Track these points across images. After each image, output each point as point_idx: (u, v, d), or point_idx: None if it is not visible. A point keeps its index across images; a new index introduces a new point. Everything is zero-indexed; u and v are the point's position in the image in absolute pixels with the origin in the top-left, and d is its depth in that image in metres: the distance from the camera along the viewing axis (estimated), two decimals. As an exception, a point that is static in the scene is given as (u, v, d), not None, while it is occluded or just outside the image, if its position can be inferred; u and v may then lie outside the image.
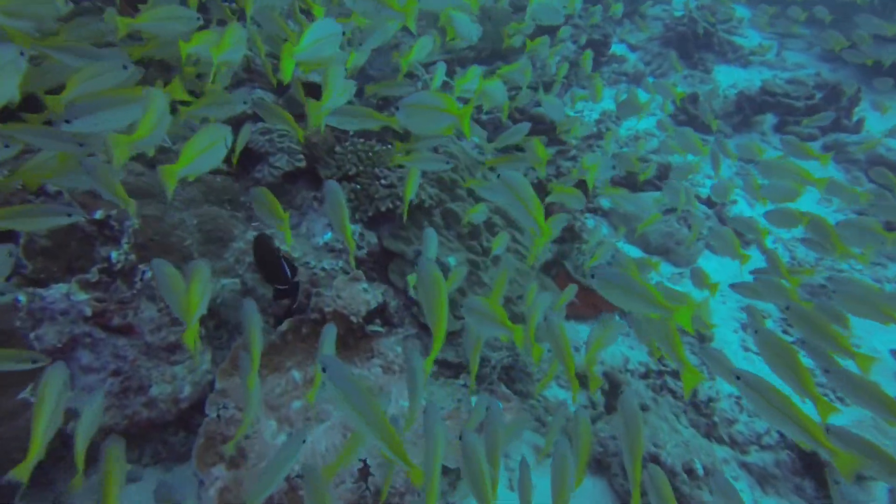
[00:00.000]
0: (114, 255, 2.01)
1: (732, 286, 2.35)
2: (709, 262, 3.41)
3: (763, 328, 1.43)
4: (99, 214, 2.11)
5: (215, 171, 2.58)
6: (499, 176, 1.47)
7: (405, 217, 2.23)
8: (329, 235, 2.44)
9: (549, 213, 2.42)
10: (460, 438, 1.30)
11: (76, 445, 1.36)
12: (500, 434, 1.42)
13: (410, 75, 3.19)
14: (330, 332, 1.70)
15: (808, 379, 1.31)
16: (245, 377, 1.50)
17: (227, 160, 2.70)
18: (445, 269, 2.41)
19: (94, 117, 1.33)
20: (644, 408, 2.25)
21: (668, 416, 2.16)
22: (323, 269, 2.36)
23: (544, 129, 3.71)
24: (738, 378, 1.21)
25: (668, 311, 1.27)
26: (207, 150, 1.44)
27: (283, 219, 1.67)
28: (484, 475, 1.24)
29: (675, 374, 2.65)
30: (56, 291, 1.91)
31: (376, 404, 1.06)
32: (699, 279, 2.54)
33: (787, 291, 1.96)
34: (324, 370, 1.08)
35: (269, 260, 2.14)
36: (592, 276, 1.39)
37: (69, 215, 1.61)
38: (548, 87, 3.86)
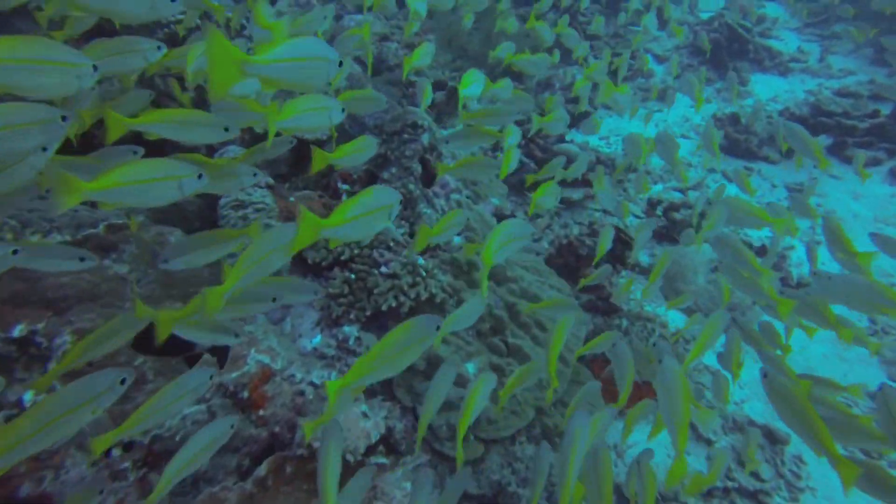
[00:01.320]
0: (27, 396, 1.55)
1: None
2: (769, 328, 2.91)
3: (772, 372, 1.21)
4: (19, 330, 1.65)
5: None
6: None
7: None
8: (319, 339, 1.97)
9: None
10: None
11: None
12: None
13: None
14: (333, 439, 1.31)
15: (826, 433, 1.13)
16: None
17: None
18: (464, 381, 1.94)
19: None
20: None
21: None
22: (311, 384, 1.89)
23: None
24: None
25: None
26: (140, 183, 1.14)
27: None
28: None
29: (745, 493, 2.17)
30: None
31: None
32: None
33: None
34: None
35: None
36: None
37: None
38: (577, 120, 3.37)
